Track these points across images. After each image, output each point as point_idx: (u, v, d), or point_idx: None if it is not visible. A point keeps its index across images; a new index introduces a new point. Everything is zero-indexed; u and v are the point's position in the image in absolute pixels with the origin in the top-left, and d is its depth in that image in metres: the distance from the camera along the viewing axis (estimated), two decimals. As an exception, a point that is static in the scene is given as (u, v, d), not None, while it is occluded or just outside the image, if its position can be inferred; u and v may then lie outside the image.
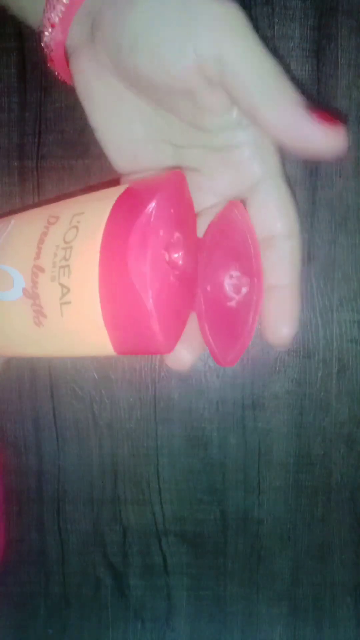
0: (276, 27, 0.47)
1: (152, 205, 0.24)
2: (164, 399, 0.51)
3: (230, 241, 0.28)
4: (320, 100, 0.47)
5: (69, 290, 0.25)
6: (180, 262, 0.26)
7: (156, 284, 0.24)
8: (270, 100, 0.27)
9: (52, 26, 0.28)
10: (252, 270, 0.28)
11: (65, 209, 0.27)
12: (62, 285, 0.25)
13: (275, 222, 0.28)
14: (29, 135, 0.49)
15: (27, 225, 0.28)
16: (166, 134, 0.29)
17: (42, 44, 0.30)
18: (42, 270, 0.26)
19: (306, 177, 0.48)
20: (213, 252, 0.28)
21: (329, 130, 0.27)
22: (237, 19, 0.25)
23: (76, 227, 0.25)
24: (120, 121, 0.29)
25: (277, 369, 0.50)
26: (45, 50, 0.30)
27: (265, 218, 0.28)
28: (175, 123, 0.28)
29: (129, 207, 0.25)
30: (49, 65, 0.32)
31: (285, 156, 0.48)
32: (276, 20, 0.47)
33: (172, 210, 0.25)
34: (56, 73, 0.32)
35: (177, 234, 0.25)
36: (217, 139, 0.28)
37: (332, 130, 0.26)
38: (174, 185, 0.26)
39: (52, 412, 0.52)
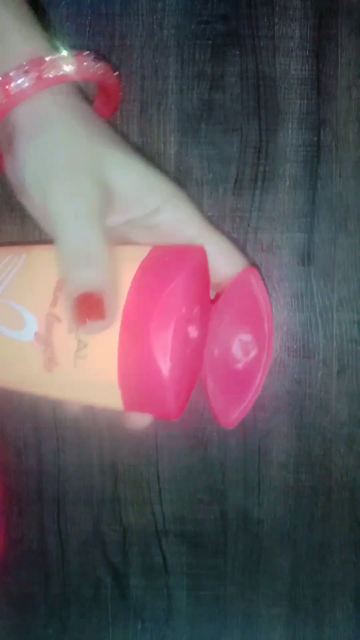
0: (276, 27, 0.47)
1: (180, 281, 0.25)
2: (164, 399, 0.51)
3: (243, 305, 0.29)
4: (320, 100, 0.47)
5: (86, 345, 0.26)
6: (197, 334, 0.27)
7: (175, 356, 0.25)
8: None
9: None
10: (262, 334, 0.29)
11: None
12: (80, 340, 0.26)
13: (224, 268, 0.31)
14: (29, 135, 0.49)
15: (42, 266, 0.28)
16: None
17: None
18: (58, 319, 0.26)
19: (306, 177, 0.48)
20: (224, 316, 0.29)
21: (85, 328, 0.28)
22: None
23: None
24: None
25: (277, 369, 0.50)
26: None
27: (216, 267, 0.31)
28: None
29: (153, 276, 0.26)
30: None
31: (285, 156, 0.48)
32: (276, 20, 0.47)
33: (195, 286, 0.26)
34: None
35: (196, 308, 0.26)
36: (141, 222, 0.31)
37: (87, 327, 0.28)
38: (197, 260, 0.27)
39: (52, 412, 0.52)
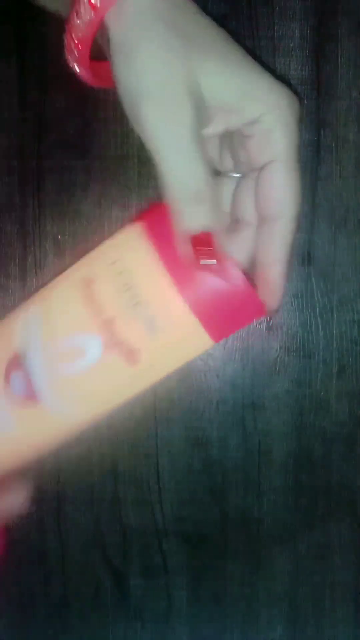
0: (276, 27, 0.47)
1: None
2: (164, 399, 0.51)
3: None
4: (320, 100, 0.47)
5: (153, 317, 0.26)
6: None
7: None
8: (174, 220, 0.29)
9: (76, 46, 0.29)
10: None
11: (92, 268, 0.27)
12: (145, 318, 0.26)
13: (272, 202, 0.29)
14: (29, 136, 0.49)
15: (57, 300, 0.28)
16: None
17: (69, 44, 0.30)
18: (114, 319, 0.26)
19: (306, 177, 0.48)
20: None
21: (198, 265, 0.29)
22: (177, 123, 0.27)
23: (123, 271, 0.26)
24: None
25: (277, 369, 0.50)
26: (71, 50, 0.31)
27: (267, 196, 0.29)
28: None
29: (161, 220, 0.26)
30: (67, 56, 0.32)
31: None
32: (276, 20, 0.47)
33: None
34: (76, 69, 0.32)
35: None
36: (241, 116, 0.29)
37: (201, 265, 0.28)
38: None
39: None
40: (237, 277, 0.26)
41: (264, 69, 0.29)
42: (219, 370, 0.51)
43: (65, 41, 0.29)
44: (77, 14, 0.27)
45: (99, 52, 0.31)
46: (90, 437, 0.52)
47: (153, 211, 0.27)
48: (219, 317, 0.26)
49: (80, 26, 0.28)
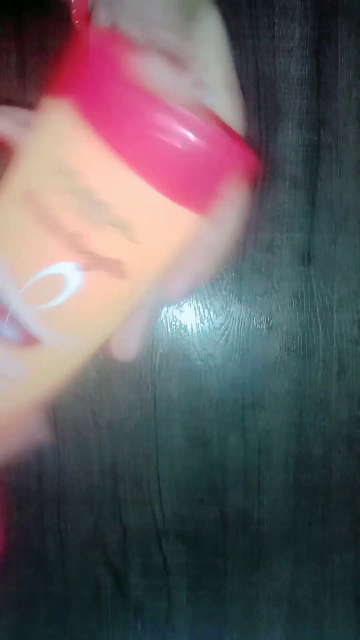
0: (276, 27, 0.47)
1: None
2: (164, 399, 0.51)
3: None
4: (320, 100, 0.47)
5: (122, 218, 0.21)
6: None
7: None
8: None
9: None
10: None
11: (29, 179, 0.22)
12: (114, 222, 0.21)
13: None
14: (29, 135, 0.49)
15: (12, 233, 0.23)
16: None
17: None
18: (80, 236, 0.21)
19: (306, 177, 0.48)
20: None
21: None
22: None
23: (65, 171, 0.21)
24: None
25: (277, 369, 0.50)
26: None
27: None
28: None
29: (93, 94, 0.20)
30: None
31: (285, 156, 0.48)
32: (276, 20, 0.47)
33: None
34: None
35: None
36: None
37: None
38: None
39: (52, 412, 0.52)
40: (201, 131, 0.19)
41: None
42: (219, 370, 0.51)
43: None
44: None
45: None
46: (91, 437, 0.52)
47: (74, 83, 0.21)
48: (193, 186, 0.21)
49: None
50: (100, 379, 0.51)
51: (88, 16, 0.27)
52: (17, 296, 0.23)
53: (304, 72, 0.47)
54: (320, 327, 0.49)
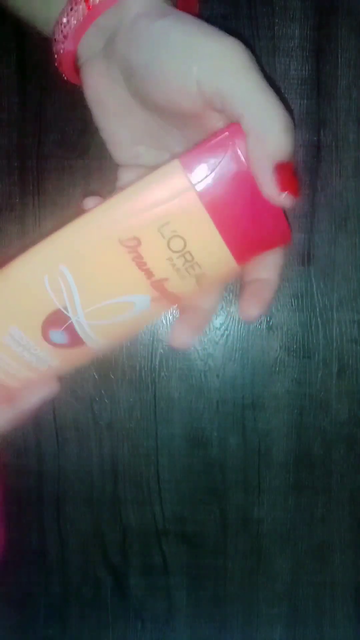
0: (276, 27, 0.47)
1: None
2: (164, 399, 0.51)
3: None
4: (320, 100, 0.47)
5: (203, 274, 0.25)
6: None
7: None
8: (256, 145, 0.27)
9: (65, 37, 0.29)
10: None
11: (135, 227, 0.25)
12: (197, 276, 0.25)
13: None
14: (29, 136, 0.49)
15: (98, 261, 0.26)
16: (168, 143, 0.30)
17: (53, 50, 0.30)
18: (165, 280, 0.25)
19: (306, 177, 0.48)
20: None
21: (279, 198, 0.27)
22: (238, 55, 0.26)
23: (174, 235, 0.24)
24: (126, 128, 0.30)
25: (277, 369, 0.50)
26: (55, 55, 0.31)
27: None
28: (177, 135, 0.29)
29: (210, 172, 0.24)
30: (56, 66, 0.32)
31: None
32: (276, 20, 0.47)
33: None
34: (63, 75, 0.33)
35: None
36: None
37: (282, 198, 0.27)
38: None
39: (52, 412, 0.52)
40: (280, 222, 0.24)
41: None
42: (219, 370, 0.51)
43: (55, 35, 0.29)
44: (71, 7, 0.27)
45: None
46: (91, 437, 0.52)
47: (200, 158, 0.25)
48: (258, 254, 0.26)
49: (78, 14, 0.27)
50: (100, 379, 0.51)
51: (77, 70, 0.29)
52: (82, 313, 0.26)
53: (304, 72, 0.47)
54: (320, 327, 0.49)
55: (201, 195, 0.24)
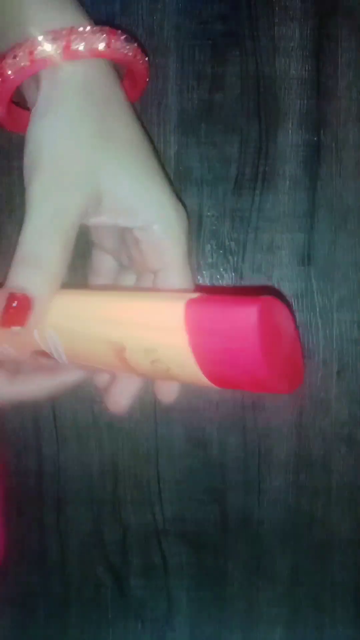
0: (276, 27, 0.47)
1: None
2: (164, 399, 0.51)
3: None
4: (320, 100, 0.47)
5: (172, 378, 0.28)
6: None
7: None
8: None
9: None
10: None
11: (128, 336, 0.27)
12: (163, 375, 0.27)
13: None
14: (29, 135, 0.49)
15: (87, 345, 0.28)
16: None
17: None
18: (135, 369, 0.28)
19: (306, 177, 0.48)
20: None
21: None
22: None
23: (157, 359, 0.26)
24: None
25: (277, 369, 0.50)
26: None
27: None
28: None
29: (206, 320, 0.25)
30: None
31: (285, 156, 0.48)
32: (276, 20, 0.47)
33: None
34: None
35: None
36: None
37: None
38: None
39: (52, 412, 0.52)
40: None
41: (164, 180, 0.30)
42: (219, 370, 0.51)
43: None
44: (13, 56, 0.27)
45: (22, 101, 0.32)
46: (91, 437, 0.52)
47: (200, 308, 0.26)
48: (225, 374, 0.26)
49: (13, 66, 0.28)
50: (100, 379, 0.51)
51: None
52: (65, 359, 0.29)
53: (304, 72, 0.47)
54: (320, 327, 0.49)
55: (193, 346, 0.24)
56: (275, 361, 0.25)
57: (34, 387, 0.34)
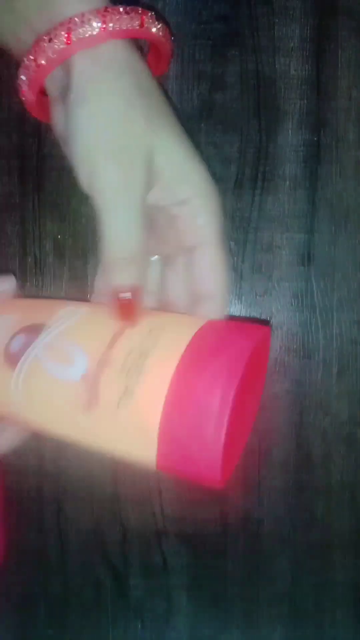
0: (276, 27, 0.47)
1: (240, 351, 0.25)
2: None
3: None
4: (320, 100, 0.47)
5: (132, 392, 0.26)
6: (245, 406, 0.28)
7: (229, 421, 0.24)
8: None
9: (26, 80, 0.29)
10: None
11: (133, 333, 0.28)
12: (127, 387, 0.26)
13: (204, 284, 0.31)
14: (29, 136, 0.49)
15: (102, 318, 0.29)
16: None
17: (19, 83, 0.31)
18: (110, 364, 0.27)
19: (306, 177, 0.48)
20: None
21: None
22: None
23: (156, 339, 0.26)
24: None
25: (277, 369, 0.50)
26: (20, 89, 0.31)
27: (198, 278, 0.31)
28: None
29: (213, 341, 0.26)
30: (21, 98, 0.33)
31: (285, 156, 0.48)
32: (276, 20, 0.47)
33: (252, 361, 0.26)
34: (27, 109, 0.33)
35: (249, 379, 0.27)
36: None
37: None
38: (258, 341, 0.27)
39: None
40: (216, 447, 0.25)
41: (197, 152, 0.30)
42: (219, 370, 0.51)
43: (22, 65, 0.29)
44: (49, 39, 0.27)
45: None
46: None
47: (226, 327, 0.28)
48: (177, 451, 0.26)
49: (48, 51, 0.27)
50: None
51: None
52: (49, 337, 0.29)
53: (304, 72, 0.47)
54: (320, 327, 0.49)
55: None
56: (229, 463, 0.26)
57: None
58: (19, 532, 0.54)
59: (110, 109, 0.27)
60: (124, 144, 0.27)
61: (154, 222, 0.32)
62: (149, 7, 0.30)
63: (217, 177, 0.48)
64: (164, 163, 0.28)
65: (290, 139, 0.48)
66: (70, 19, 0.26)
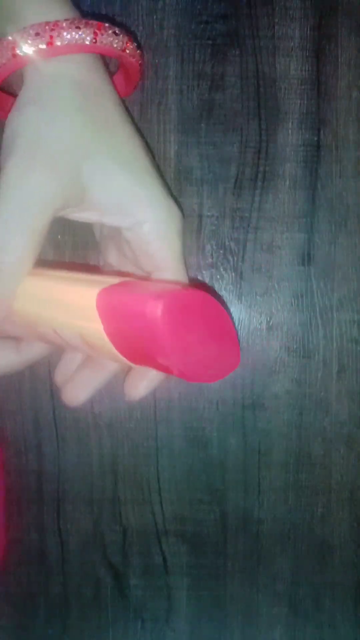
0: (276, 27, 0.47)
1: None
2: (164, 399, 0.51)
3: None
4: (320, 100, 0.47)
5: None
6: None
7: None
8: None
9: None
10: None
11: (53, 317, 0.29)
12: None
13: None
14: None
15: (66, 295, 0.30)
16: None
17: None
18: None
19: (306, 177, 0.48)
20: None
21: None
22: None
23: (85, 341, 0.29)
24: None
25: (277, 369, 0.50)
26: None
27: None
28: None
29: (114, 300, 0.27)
30: None
31: (285, 156, 0.48)
32: (276, 20, 0.47)
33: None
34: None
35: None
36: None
37: None
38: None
39: (52, 412, 0.52)
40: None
41: (156, 177, 0.29)
42: (219, 370, 0.51)
43: None
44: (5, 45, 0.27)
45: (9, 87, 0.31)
46: (91, 437, 0.52)
47: (111, 296, 0.28)
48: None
49: (2, 58, 0.27)
50: (100, 379, 0.51)
51: None
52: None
53: (304, 72, 0.47)
54: (320, 327, 0.49)
55: (107, 329, 0.26)
56: (188, 351, 0.26)
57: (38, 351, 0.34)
58: (19, 532, 0.54)
59: (43, 117, 0.26)
60: (40, 153, 0.26)
61: (115, 241, 0.31)
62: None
63: (217, 177, 0.48)
64: (100, 185, 0.27)
65: (290, 139, 0.48)
66: (15, 36, 0.26)
